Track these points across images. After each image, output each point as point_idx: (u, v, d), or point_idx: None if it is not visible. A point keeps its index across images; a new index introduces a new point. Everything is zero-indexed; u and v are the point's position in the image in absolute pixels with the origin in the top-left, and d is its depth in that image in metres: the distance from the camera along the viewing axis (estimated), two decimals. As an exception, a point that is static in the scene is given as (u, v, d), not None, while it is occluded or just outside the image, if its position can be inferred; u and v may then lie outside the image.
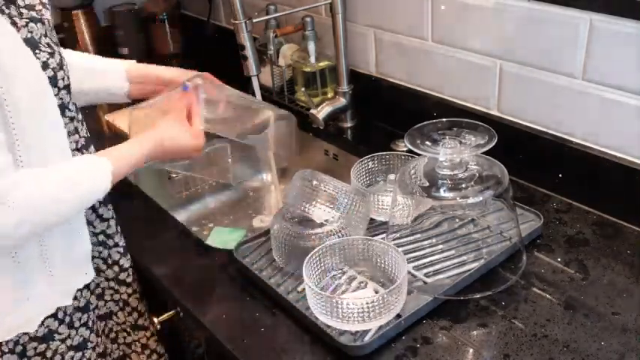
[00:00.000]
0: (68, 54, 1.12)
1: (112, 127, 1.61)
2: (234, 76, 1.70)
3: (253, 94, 1.80)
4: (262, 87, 1.77)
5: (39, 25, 0.94)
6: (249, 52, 1.35)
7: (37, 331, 1.02)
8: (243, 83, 1.78)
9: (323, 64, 1.61)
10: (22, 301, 1.00)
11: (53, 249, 1.02)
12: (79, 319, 1.10)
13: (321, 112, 1.51)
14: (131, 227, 1.22)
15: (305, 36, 1.59)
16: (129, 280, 1.21)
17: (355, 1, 1.51)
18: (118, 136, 1.61)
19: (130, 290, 1.21)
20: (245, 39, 1.33)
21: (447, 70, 1.38)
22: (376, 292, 1.01)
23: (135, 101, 1.25)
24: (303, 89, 1.64)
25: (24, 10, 0.93)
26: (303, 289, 1.02)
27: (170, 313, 1.19)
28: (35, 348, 1.04)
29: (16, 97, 0.88)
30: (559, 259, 1.08)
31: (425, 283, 1.04)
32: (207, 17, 2.06)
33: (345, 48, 1.51)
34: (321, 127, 1.53)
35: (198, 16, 2.18)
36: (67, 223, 1.04)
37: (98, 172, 0.98)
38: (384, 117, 1.58)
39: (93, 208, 1.11)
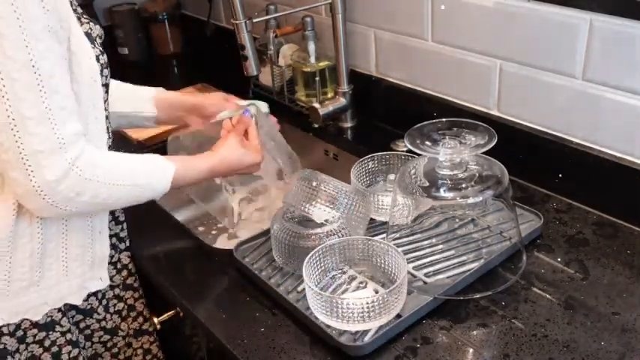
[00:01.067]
0: None
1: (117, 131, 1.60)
2: (234, 76, 1.70)
3: (252, 93, 1.81)
4: (262, 87, 1.78)
5: (97, 27, 1.02)
6: (249, 52, 1.35)
7: (40, 318, 1.04)
8: (242, 83, 1.80)
9: (323, 64, 1.61)
10: (32, 286, 1.02)
11: (73, 242, 1.04)
12: (73, 317, 1.12)
13: (323, 108, 1.51)
14: (131, 227, 1.22)
15: (305, 36, 1.59)
16: (136, 284, 1.22)
17: (355, 1, 1.51)
18: (123, 140, 1.62)
19: (136, 295, 1.22)
20: (245, 39, 1.33)
21: (447, 70, 1.38)
22: (376, 292, 1.01)
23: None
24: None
25: (85, 17, 1.01)
26: (303, 289, 1.02)
27: (170, 313, 1.20)
28: (35, 335, 1.05)
29: (78, 77, 0.95)
30: (559, 259, 1.08)
31: (425, 283, 1.04)
32: (207, 17, 2.06)
33: (345, 48, 1.51)
34: (317, 125, 1.53)
35: (198, 16, 2.18)
36: (91, 220, 1.07)
37: (161, 171, 1.04)
38: (384, 117, 1.58)
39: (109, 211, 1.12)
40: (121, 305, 1.20)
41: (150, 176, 1.03)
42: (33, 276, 1.01)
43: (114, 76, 1.14)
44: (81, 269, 1.07)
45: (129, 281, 1.20)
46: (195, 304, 1.07)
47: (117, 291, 1.18)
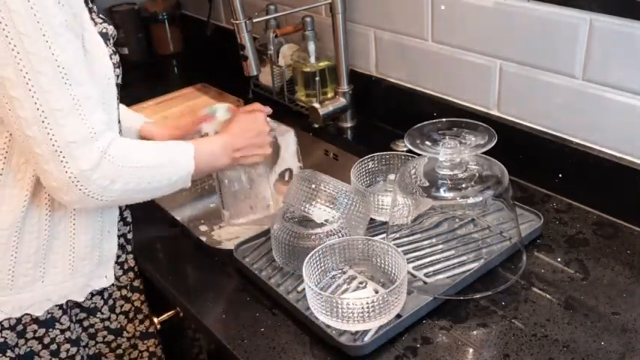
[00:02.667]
0: None
1: None
2: (235, 76, 1.70)
3: (252, 93, 1.81)
4: (262, 87, 1.78)
5: (110, 27, 1.03)
6: (249, 52, 1.35)
7: (41, 314, 1.05)
8: (242, 83, 1.80)
9: (323, 64, 1.61)
10: (37, 282, 1.02)
11: (81, 242, 1.05)
12: (76, 315, 1.12)
13: (323, 108, 1.51)
14: (131, 227, 1.22)
15: (305, 36, 1.59)
16: (141, 287, 1.22)
17: (355, 1, 1.51)
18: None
19: (143, 297, 1.22)
20: (245, 39, 1.33)
21: (447, 70, 1.38)
22: (376, 292, 1.01)
23: None
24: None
25: (100, 16, 1.02)
26: (303, 289, 1.02)
27: (170, 313, 1.20)
28: (35, 331, 1.06)
29: (93, 75, 0.95)
30: (559, 259, 1.08)
31: (425, 283, 1.04)
32: (207, 17, 2.06)
33: (345, 48, 1.51)
34: (317, 125, 1.53)
35: (198, 16, 2.18)
36: (101, 219, 1.07)
37: (182, 148, 1.05)
38: (384, 117, 1.58)
39: (119, 210, 1.13)
40: (128, 306, 1.20)
41: (173, 153, 1.04)
42: (37, 272, 1.02)
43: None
44: (88, 268, 1.08)
45: (135, 283, 1.20)
46: (195, 304, 1.07)
47: (124, 292, 1.19)
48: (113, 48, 1.02)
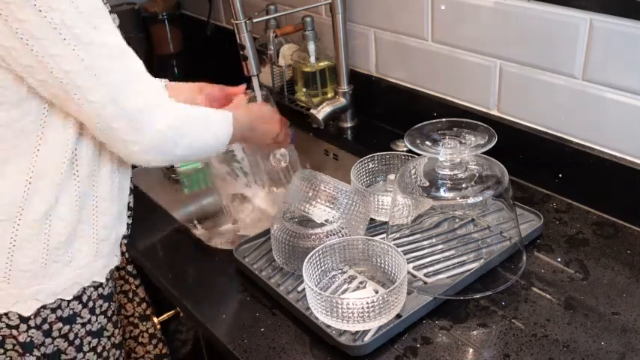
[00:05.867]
0: None
1: None
2: (234, 76, 1.70)
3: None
4: (262, 87, 1.78)
5: (114, 16, 1.06)
6: (249, 52, 1.35)
7: (63, 311, 1.06)
8: (242, 83, 1.79)
9: (323, 64, 1.61)
10: (66, 267, 1.04)
11: (101, 224, 1.07)
12: (100, 307, 1.12)
13: (321, 112, 1.51)
14: (131, 227, 1.22)
15: (305, 36, 1.59)
16: (134, 271, 1.22)
17: (355, 1, 1.51)
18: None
19: (137, 281, 1.23)
20: (245, 39, 1.33)
21: (447, 70, 1.38)
22: (376, 292, 1.01)
23: None
24: (304, 90, 1.64)
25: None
26: (303, 289, 1.02)
27: (170, 313, 1.20)
28: (60, 329, 1.07)
29: None
30: (559, 259, 1.08)
31: (425, 283, 1.04)
32: (207, 17, 2.06)
33: (345, 48, 1.51)
34: (321, 127, 1.53)
35: (198, 16, 2.18)
36: (118, 201, 1.11)
37: (223, 116, 1.13)
38: (384, 117, 1.58)
39: None
40: (127, 287, 1.22)
41: (216, 114, 1.13)
42: (65, 257, 1.04)
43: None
44: (107, 249, 1.10)
45: (129, 268, 1.21)
46: (195, 304, 1.07)
47: (122, 273, 1.20)
48: None
